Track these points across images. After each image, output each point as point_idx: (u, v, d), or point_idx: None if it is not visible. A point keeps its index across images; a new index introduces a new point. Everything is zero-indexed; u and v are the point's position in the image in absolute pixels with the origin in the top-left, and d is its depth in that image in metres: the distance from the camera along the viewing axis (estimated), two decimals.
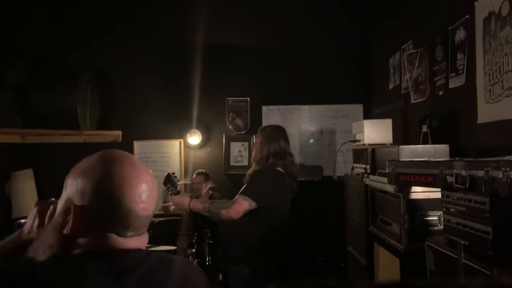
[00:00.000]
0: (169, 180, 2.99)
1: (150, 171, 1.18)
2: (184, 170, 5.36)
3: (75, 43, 5.12)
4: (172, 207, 3.27)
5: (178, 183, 3.00)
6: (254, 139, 3.23)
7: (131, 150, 5.30)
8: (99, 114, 5.15)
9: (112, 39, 5.20)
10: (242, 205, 2.73)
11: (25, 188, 4.87)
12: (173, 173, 3.03)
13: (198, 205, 2.86)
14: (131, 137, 5.27)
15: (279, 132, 3.07)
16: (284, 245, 3.00)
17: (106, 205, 1.07)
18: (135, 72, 5.31)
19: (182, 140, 5.36)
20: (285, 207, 2.97)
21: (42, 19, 5.09)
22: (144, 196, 1.10)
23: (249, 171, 3.03)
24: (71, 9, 5.04)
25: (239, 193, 2.83)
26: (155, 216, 5.01)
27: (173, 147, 5.37)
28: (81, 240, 1.08)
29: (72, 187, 1.10)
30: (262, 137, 3.02)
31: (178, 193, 2.90)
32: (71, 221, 1.07)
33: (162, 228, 4.68)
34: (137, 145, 5.33)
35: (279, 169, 2.96)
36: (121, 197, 1.07)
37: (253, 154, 3.09)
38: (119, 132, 5.14)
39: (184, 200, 2.88)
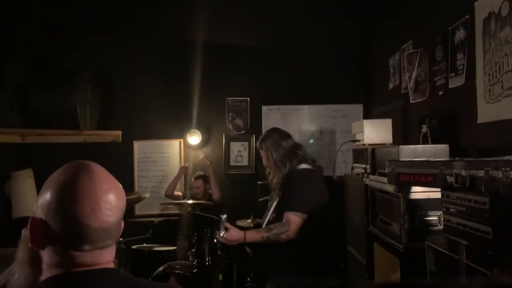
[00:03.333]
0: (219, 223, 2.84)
1: (115, 182, 1.15)
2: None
3: (75, 43, 5.12)
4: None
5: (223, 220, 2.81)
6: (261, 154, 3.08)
7: (131, 150, 5.31)
8: (99, 114, 5.15)
9: (112, 39, 5.20)
10: (297, 223, 2.68)
11: (25, 188, 4.87)
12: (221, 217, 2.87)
13: (255, 237, 2.74)
14: (131, 137, 5.28)
15: (277, 134, 3.00)
16: (328, 245, 3.00)
17: (57, 219, 1.06)
18: (135, 72, 5.32)
19: (182, 140, 5.36)
20: (326, 204, 2.88)
21: (42, 19, 5.09)
22: (97, 208, 1.07)
23: (275, 179, 2.92)
24: (71, 9, 5.04)
25: (287, 210, 2.72)
26: (155, 216, 5.02)
27: (173, 147, 5.38)
28: (45, 256, 1.09)
29: (38, 200, 1.11)
30: (268, 151, 2.94)
31: (226, 230, 2.72)
32: (30, 234, 1.08)
33: (162, 228, 4.69)
34: (137, 145, 5.34)
35: (307, 166, 2.88)
36: (71, 210, 1.05)
37: (271, 169, 2.97)
38: (119, 132, 5.14)
39: (239, 235, 2.73)
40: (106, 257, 1.12)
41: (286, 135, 3.00)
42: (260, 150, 3.04)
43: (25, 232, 1.12)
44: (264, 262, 3.03)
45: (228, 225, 2.73)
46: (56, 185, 1.08)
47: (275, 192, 2.94)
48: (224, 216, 2.80)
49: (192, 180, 4.83)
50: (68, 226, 1.05)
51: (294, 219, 2.69)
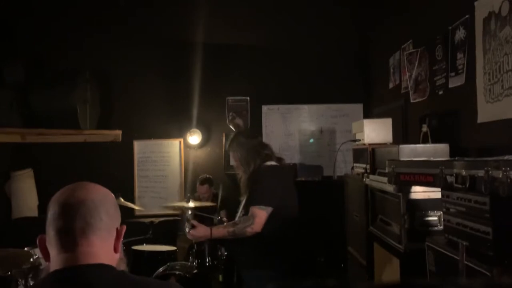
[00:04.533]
0: (184, 222, 2.95)
1: (104, 192, 1.27)
2: (184, 169, 5.36)
3: (75, 43, 5.12)
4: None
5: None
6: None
7: (131, 150, 5.31)
8: (99, 113, 5.15)
9: (112, 39, 5.20)
10: (262, 216, 2.71)
11: (25, 187, 4.87)
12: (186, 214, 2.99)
13: (221, 232, 2.81)
14: (131, 136, 5.28)
15: (242, 136, 3.07)
16: (297, 240, 2.96)
17: (48, 213, 1.21)
18: (135, 72, 5.32)
19: (182, 140, 5.36)
20: (293, 200, 2.94)
21: (42, 19, 5.09)
22: (71, 189, 1.22)
23: (243, 179, 2.97)
24: (71, 9, 5.04)
25: (251, 204, 2.76)
26: (155, 216, 5.01)
27: (173, 146, 5.38)
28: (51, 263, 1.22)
29: None
30: (234, 152, 3.01)
31: (193, 227, 2.82)
32: (41, 252, 1.24)
33: (162, 228, 4.69)
34: (137, 144, 5.34)
35: (273, 163, 2.93)
36: (53, 201, 1.21)
37: (240, 170, 3.01)
38: (119, 132, 5.14)
39: (205, 231, 2.80)
40: (98, 247, 1.19)
41: (251, 136, 3.08)
42: (230, 153, 3.12)
43: None
44: (236, 260, 3.07)
45: (194, 222, 2.84)
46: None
47: (244, 191, 2.98)
48: (189, 213, 2.95)
49: (198, 185, 4.80)
50: (52, 211, 1.20)
51: (257, 212, 2.71)
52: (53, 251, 1.18)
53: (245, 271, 2.93)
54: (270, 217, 2.74)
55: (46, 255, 1.21)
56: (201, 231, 2.81)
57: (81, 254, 1.16)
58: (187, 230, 2.84)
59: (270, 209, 2.73)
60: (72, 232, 1.17)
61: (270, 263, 2.75)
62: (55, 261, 1.18)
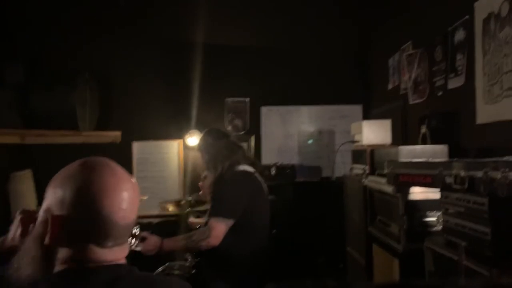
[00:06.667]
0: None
1: (133, 179, 1.19)
2: (183, 170, 5.35)
3: (75, 43, 5.11)
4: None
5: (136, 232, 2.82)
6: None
7: (130, 151, 5.30)
8: (98, 114, 5.14)
9: (111, 39, 5.20)
10: (219, 229, 2.51)
11: (24, 188, 4.86)
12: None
13: (172, 244, 2.63)
14: (130, 137, 5.27)
15: (209, 135, 2.85)
16: (265, 251, 2.73)
17: (84, 215, 1.07)
18: (135, 72, 5.31)
19: (181, 141, 5.36)
20: (262, 209, 2.73)
21: (42, 19, 5.09)
22: (123, 205, 1.10)
23: (209, 183, 2.83)
24: (71, 9, 5.03)
25: (211, 215, 2.58)
26: (154, 216, 5.01)
27: (172, 147, 5.37)
28: (61, 252, 1.09)
29: (52, 196, 1.10)
30: (201, 153, 2.82)
31: (144, 239, 2.57)
32: (49, 231, 1.08)
33: (162, 228, 4.68)
34: (136, 145, 5.33)
35: (244, 168, 2.72)
36: (99, 207, 1.07)
37: (207, 172, 2.83)
38: (119, 133, 5.14)
39: (155, 244, 2.58)
40: (124, 253, 1.15)
41: (221, 136, 2.85)
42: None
43: (38, 229, 1.11)
44: (204, 271, 2.87)
45: (145, 233, 2.60)
46: (78, 182, 1.09)
47: (209, 197, 2.83)
48: (137, 227, 2.76)
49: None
50: (96, 223, 1.07)
51: (215, 224, 2.51)
52: (73, 250, 1.08)
53: (212, 281, 2.73)
54: (235, 228, 2.54)
55: (59, 241, 1.08)
56: (151, 243, 2.59)
57: (109, 260, 1.10)
58: (134, 246, 2.69)
59: (230, 221, 2.53)
60: (110, 247, 1.10)
61: (234, 275, 2.59)
62: (71, 260, 1.07)
